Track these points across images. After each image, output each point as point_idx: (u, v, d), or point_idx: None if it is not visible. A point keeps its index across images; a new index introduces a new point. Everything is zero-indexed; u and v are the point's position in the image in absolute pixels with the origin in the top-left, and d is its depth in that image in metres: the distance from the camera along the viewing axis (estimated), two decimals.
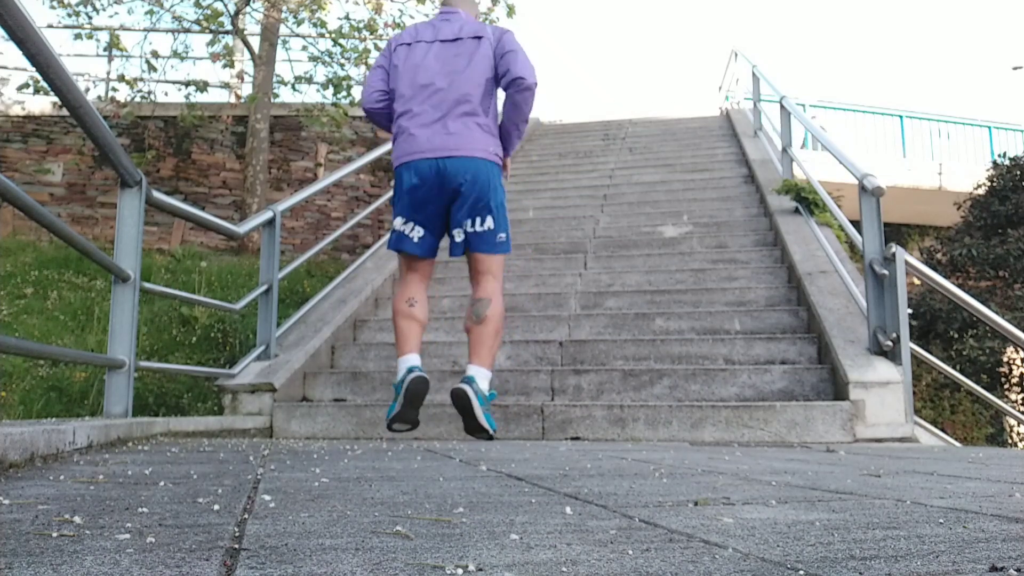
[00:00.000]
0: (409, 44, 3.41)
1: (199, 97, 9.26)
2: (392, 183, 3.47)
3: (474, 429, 3.22)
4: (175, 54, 9.49)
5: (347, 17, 9.46)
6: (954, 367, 7.14)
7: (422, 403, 3.19)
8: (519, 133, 3.44)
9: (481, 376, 3.23)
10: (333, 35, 9.38)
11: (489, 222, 3.29)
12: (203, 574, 0.78)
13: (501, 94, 3.43)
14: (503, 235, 3.34)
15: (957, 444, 4.44)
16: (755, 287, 4.99)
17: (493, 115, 3.35)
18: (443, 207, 3.31)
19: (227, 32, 9.44)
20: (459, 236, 3.30)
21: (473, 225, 3.28)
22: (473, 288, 3.40)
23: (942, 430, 5.41)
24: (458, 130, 3.26)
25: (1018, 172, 10.45)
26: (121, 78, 9.19)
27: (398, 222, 3.34)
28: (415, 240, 3.33)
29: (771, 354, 4.25)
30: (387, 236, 6.50)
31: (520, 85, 3.28)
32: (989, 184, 10.61)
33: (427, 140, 3.26)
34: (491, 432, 3.23)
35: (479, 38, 3.35)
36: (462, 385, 3.17)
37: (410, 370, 3.20)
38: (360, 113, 9.96)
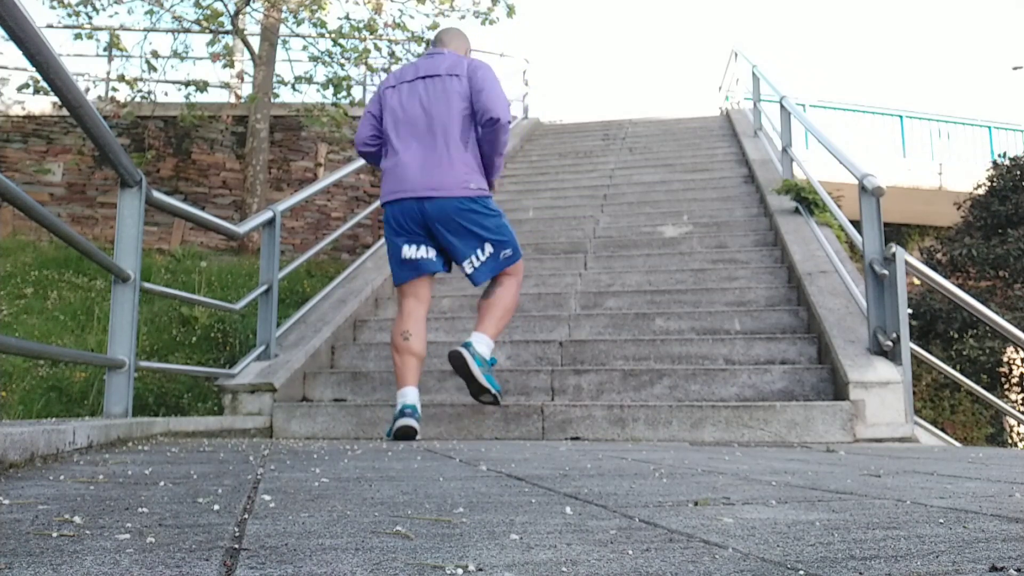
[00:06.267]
0: (394, 87, 3.56)
1: (199, 97, 9.26)
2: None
3: (478, 391, 3.40)
4: (175, 54, 9.50)
5: (347, 17, 9.47)
6: (954, 367, 7.14)
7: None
8: (498, 164, 3.58)
9: (481, 342, 3.37)
10: (333, 35, 9.38)
11: (488, 249, 3.44)
12: (203, 574, 0.78)
13: None
14: (508, 251, 3.49)
15: (957, 444, 4.44)
16: (755, 287, 4.99)
17: (473, 149, 3.46)
18: (434, 234, 3.45)
19: (227, 32, 9.44)
20: (466, 270, 3.47)
21: (477, 259, 3.44)
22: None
23: (942, 430, 5.41)
24: (439, 169, 3.38)
25: (1018, 172, 10.45)
26: (121, 78, 9.19)
27: (405, 250, 3.45)
28: (420, 259, 3.46)
29: (771, 354, 4.25)
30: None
31: (493, 124, 3.41)
32: (989, 184, 10.61)
33: (410, 179, 3.40)
34: (495, 393, 3.41)
35: (456, 76, 3.45)
36: (458, 348, 3.29)
37: (403, 411, 3.31)
38: (360, 113, 9.97)
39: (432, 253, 3.47)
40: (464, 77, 3.45)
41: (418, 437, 3.34)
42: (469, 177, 3.41)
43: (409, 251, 3.45)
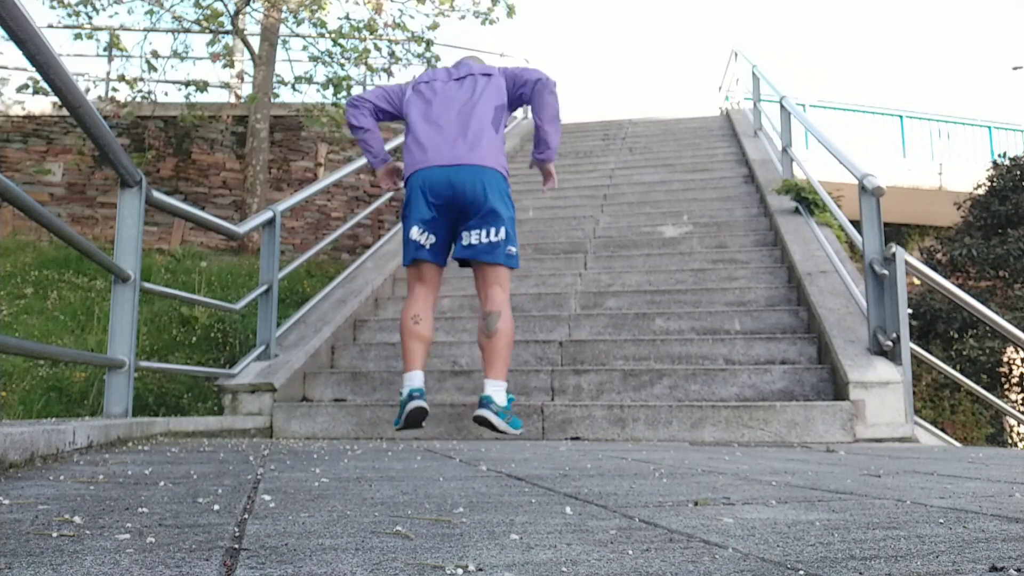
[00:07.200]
0: (427, 82, 3.67)
1: (199, 97, 9.27)
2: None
3: (502, 434, 3.47)
4: (175, 54, 9.50)
5: (347, 17, 9.47)
6: (954, 367, 7.14)
7: (421, 425, 3.43)
8: (554, 133, 3.59)
9: (496, 389, 3.41)
10: (333, 35, 9.38)
11: (501, 233, 3.41)
12: (203, 574, 0.78)
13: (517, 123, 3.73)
14: (513, 248, 3.47)
15: (957, 444, 4.44)
16: (755, 287, 4.99)
17: (501, 136, 3.54)
18: (454, 214, 3.42)
19: (227, 32, 9.44)
20: (467, 240, 3.40)
21: (487, 235, 3.39)
22: (481, 301, 3.52)
23: (942, 430, 5.40)
24: (468, 143, 3.42)
25: (1018, 172, 10.44)
26: (121, 78, 9.19)
27: (414, 232, 3.45)
28: (427, 247, 3.46)
29: (771, 354, 4.25)
30: (386, 237, 6.51)
31: (536, 83, 3.52)
32: (989, 184, 10.60)
33: (437, 150, 3.42)
34: (518, 433, 3.49)
35: (488, 75, 3.60)
36: (480, 411, 3.37)
37: (411, 395, 3.38)
38: None
39: (433, 240, 3.43)
40: (498, 75, 3.59)
41: (424, 424, 3.43)
42: (498, 156, 3.47)
43: (415, 232, 3.44)
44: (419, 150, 3.45)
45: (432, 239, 3.43)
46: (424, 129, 3.49)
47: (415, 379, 3.43)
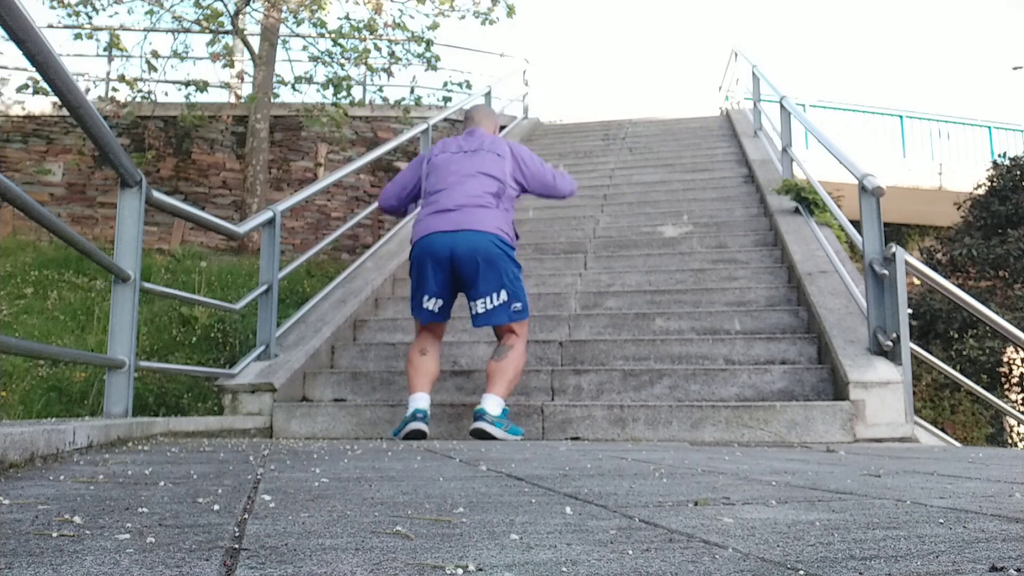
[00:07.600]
0: (438, 155, 3.92)
1: (199, 97, 9.27)
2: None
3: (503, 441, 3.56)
4: (175, 54, 9.50)
5: (347, 17, 9.48)
6: (954, 367, 7.13)
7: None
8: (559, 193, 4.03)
9: (491, 403, 3.51)
10: (333, 35, 9.38)
11: (503, 295, 3.62)
12: (203, 574, 0.78)
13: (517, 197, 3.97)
14: (519, 304, 3.68)
15: (957, 444, 4.44)
16: (755, 287, 4.99)
17: (505, 208, 3.76)
18: (457, 276, 3.64)
19: (227, 32, 9.44)
20: (475, 310, 3.65)
21: (492, 301, 3.61)
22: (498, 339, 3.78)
23: (942, 430, 5.40)
24: (471, 213, 3.66)
25: (1018, 172, 10.44)
26: (121, 78, 9.20)
27: (424, 299, 3.67)
28: (436, 311, 3.69)
29: (771, 354, 4.24)
30: (386, 237, 6.52)
31: (563, 197, 4.04)
32: (989, 184, 10.60)
33: (442, 220, 3.65)
34: (519, 439, 3.58)
35: (499, 155, 3.82)
36: (475, 424, 3.47)
37: (415, 415, 3.51)
38: (360, 113, 9.98)
39: (439, 305, 3.67)
40: (508, 157, 3.83)
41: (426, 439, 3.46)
42: (502, 225, 3.67)
43: (426, 301, 3.66)
44: (425, 220, 3.70)
45: (440, 303, 3.68)
46: (432, 198, 3.74)
47: (420, 400, 3.57)
